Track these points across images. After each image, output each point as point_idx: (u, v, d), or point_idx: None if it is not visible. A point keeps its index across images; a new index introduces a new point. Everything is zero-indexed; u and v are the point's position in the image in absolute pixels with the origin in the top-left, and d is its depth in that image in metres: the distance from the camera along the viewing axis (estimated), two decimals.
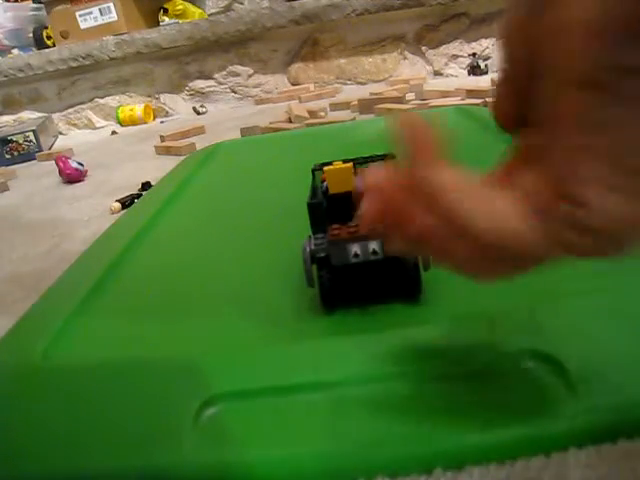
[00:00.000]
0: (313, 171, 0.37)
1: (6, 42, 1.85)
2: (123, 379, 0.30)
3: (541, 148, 0.17)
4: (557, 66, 0.15)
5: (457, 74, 1.60)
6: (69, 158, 1.08)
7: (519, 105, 0.18)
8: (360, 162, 0.36)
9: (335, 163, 0.35)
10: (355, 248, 0.31)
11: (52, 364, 0.33)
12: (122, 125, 1.72)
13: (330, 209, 0.34)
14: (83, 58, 1.70)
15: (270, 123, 1.19)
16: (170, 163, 0.88)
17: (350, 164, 0.34)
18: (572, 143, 0.16)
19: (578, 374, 0.25)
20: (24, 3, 1.92)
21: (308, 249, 0.33)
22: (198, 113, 1.71)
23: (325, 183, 0.35)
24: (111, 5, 1.65)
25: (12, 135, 1.44)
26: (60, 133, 1.81)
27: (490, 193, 0.18)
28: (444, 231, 0.19)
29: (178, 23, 1.67)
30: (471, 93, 1.16)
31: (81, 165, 1.06)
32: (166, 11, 1.74)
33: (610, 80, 0.15)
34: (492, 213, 0.17)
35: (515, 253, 0.18)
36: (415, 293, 0.33)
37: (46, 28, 1.83)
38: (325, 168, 0.34)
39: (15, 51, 1.86)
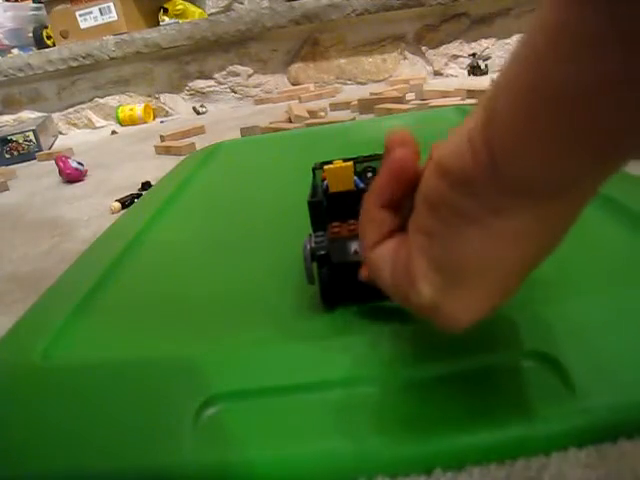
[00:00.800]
0: (314, 170, 0.38)
1: (6, 42, 1.85)
2: (123, 379, 0.30)
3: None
4: (420, 188, 0.22)
5: (457, 74, 1.60)
6: (69, 158, 1.08)
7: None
8: (360, 161, 0.36)
9: (335, 162, 0.35)
10: (355, 246, 0.32)
11: (52, 364, 0.33)
12: (122, 125, 1.72)
13: (330, 207, 0.34)
14: (83, 58, 1.70)
15: (270, 123, 1.19)
16: (170, 163, 0.88)
17: (350, 163, 0.34)
18: (414, 240, 0.22)
19: (578, 374, 0.25)
20: (24, 3, 1.92)
21: (308, 247, 0.33)
22: (198, 113, 1.71)
23: (325, 182, 0.35)
24: (111, 5, 1.65)
25: (12, 135, 1.44)
26: (60, 133, 1.81)
27: (397, 267, 0.24)
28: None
29: (178, 23, 1.67)
30: (471, 93, 1.16)
31: (81, 165, 1.06)
32: (166, 11, 1.74)
33: (438, 206, 0.21)
34: (388, 284, 0.24)
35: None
36: None
37: (46, 28, 1.83)
38: (325, 167, 0.35)
39: (15, 51, 1.86)
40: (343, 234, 0.33)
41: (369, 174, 0.36)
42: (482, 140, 0.19)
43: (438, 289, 0.22)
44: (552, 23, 0.16)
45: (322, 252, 0.32)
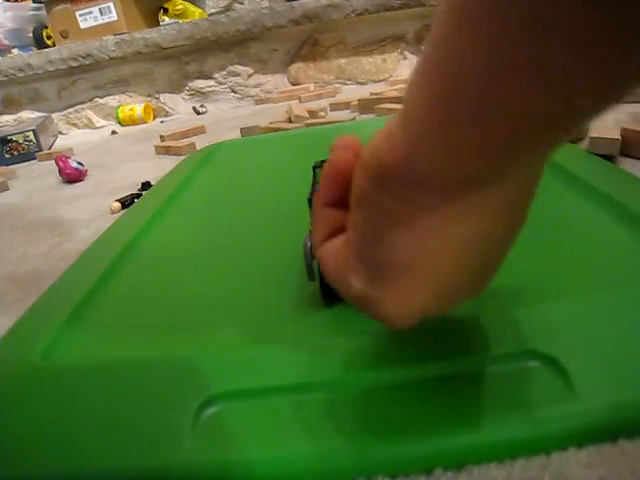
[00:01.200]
0: (314, 168, 0.38)
1: (6, 42, 1.85)
2: (123, 379, 0.30)
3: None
4: (353, 184, 0.22)
5: None
6: (69, 158, 1.08)
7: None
8: None
9: None
10: None
11: (52, 364, 0.33)
12: (122, 125, 1.72)
13: None
14: (83, 58, 1.70)
15: (270, 123, 1.19)
16: (170, 163, 0.88)
17: None
18: (347, 235, 0.23)
19: (578, 374, 0.25)
20: (24, 3, 1.92)
21: (309, 244, 0.33)
22: (198, 113, 1.71)
23: None
24: (111, 5, 1.65)
25: (12, 135, 1.44)
26: (60, 133, 1.81)
27: (338, 261, 0.24)
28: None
29: (178, 23, 1.67)
30: None
31: (81, 165, 1.06)
32: (166, 11, 1.74)
33: (362, 202, 0.21)
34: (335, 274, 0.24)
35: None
36: None
37: (46, 28, 1.83)
38: (325, 165, 0.35)
39: (15, 51, 1.86)
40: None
41: None
42: (400, 134, 0.19)
43: (367, 282, 0.22)
44: (456, 7, 0.16)
45: None
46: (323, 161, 0.36)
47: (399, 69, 1.64)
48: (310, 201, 0.35)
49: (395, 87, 1.41)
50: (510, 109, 0.16)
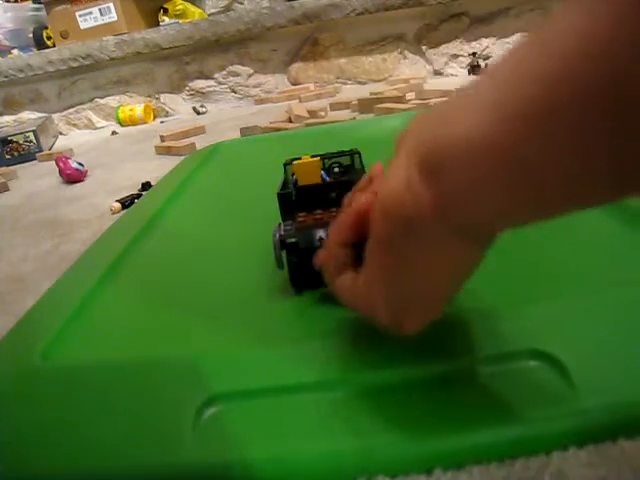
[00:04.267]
0: (285, 165, 0.41)
1: (6, 42, 1.85)
2: (123, 379, 0.30)
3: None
4: (371, 227, 0.24)
5: (457, 73, 1.60)
6: (69, 158, 1.08)
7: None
8: (328, 157, 0.40)
9: (304, 158, 0.39)
10: (320, 233, 0.34)
11: (52, 364, 0.33)
12: (122, 125, 1.72)
13: (299, 199, 0.38)
14: (83, 58, 1.70)
15: (270, 123, 1.19)
16: (170, 163, 0.88)
17: (318, 158, 0.38)
18: (371, 272, 0.25)
19: (578, 374, 0.25)
20: (24, 3, 1.92)
21: (277, 235, 0.35)
22: (198, 113, 1.71)
23: (295, 176, 0.38)
24: (111, 5, 1.65)
25: (12, 135, 1.44)
26: (60, 133, 1.81)
27: (354, 294, 0.27)
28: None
29: (178, 23, 1.67)
30: None
31: (81, 165, 1.06)
32: (166, 11, 1.74)
33: (387, 241, 0.23)
34: (355, 302, 0.28)
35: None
36: None
37: (46, 28, 1.83)
38: (295, 162, 0.38)
39: (15, 51, 1.86)
40: (309, 223, 0.36)
41: (335, 169, 0.40)
42: (424, 188, 0.20)
43: (389, 314, 0.25)
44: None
45: (291, 240, 0.35)
46: (293, 159, 0.40)
47: (399, 69, 1.64)
48: (279, 196, 0.38)
49: (395, 87, 1.41)
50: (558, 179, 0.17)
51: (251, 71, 1.72)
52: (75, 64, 1.71)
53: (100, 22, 1.68)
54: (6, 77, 1.74)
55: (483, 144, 0.18)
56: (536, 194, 0.18)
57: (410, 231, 0.22)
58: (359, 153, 0.41)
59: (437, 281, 0.24)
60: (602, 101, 0.15)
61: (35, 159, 1.42)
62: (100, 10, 1.66)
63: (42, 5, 1.76)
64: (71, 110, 1.82)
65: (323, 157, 0.40)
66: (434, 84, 1.46)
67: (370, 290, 0.25)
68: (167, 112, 1.77)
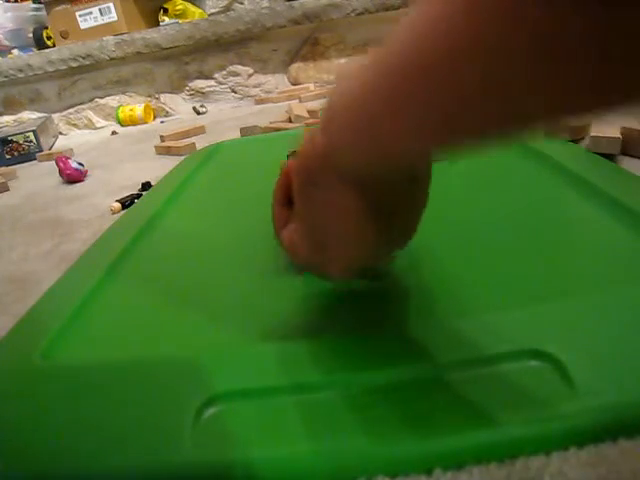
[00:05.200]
0: (288, 157, 0.41)
1: (6, 42, 1.85)
2: (123, 379, 0.30)
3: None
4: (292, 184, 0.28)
5: None
6: (69, 158, 1.08)
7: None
8: None
9: None
10: None
11: (52, 364, 0.33)
12: (122, 125, 1.72)
13: None
14: (83, 58, 1.70)
15: (270, 123, 1.19)
16: (170, 163, 0.88)
17: None
18: (295, 221, 0.30)
19: (578, 373, 0.25)
20: (24, 3, 1.92)
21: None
22: (198, 113, 1.71)
23: None
24: (111, 5, 1.65)
25: (12, 135, 1.44)
26: (60, 133, 1.81)
27: (291, 242, 0.31)
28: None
29: (178, 23, 1.67)
30: None
31: (81, 165, 1.06)
32: (166, 11, 1.74)
33: (298, 190, 0.28)
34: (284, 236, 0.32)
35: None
36: None
37: (46, 28, 1.83)
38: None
39: (15, 51, 1.86)
40: None
41: None
42: (320, 139, 0.24)
43: (310, 252, 0.29)
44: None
45: None
46: (294, 151, 0.41)
47: None
48: None
49: None
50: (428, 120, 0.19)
51: (251, 71, 1.72)
52: (75, 64, 1.71)
53: (100, 22, 1.68)
54: (6, 77, 1.74)
55: (362, 91, 0.21)
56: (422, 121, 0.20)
57: (311, 179, 0.26)
58: None
59: (340, 225, 0.27)
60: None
61: (35, 159, 1.42)
62: (100, 10, 1.66)
63: (42, 5, 1.76)
64: (71, 110, 1.82)
65: None
66: None
67: (295, 237, 0.30)
68: (167, 112, 1.77)
